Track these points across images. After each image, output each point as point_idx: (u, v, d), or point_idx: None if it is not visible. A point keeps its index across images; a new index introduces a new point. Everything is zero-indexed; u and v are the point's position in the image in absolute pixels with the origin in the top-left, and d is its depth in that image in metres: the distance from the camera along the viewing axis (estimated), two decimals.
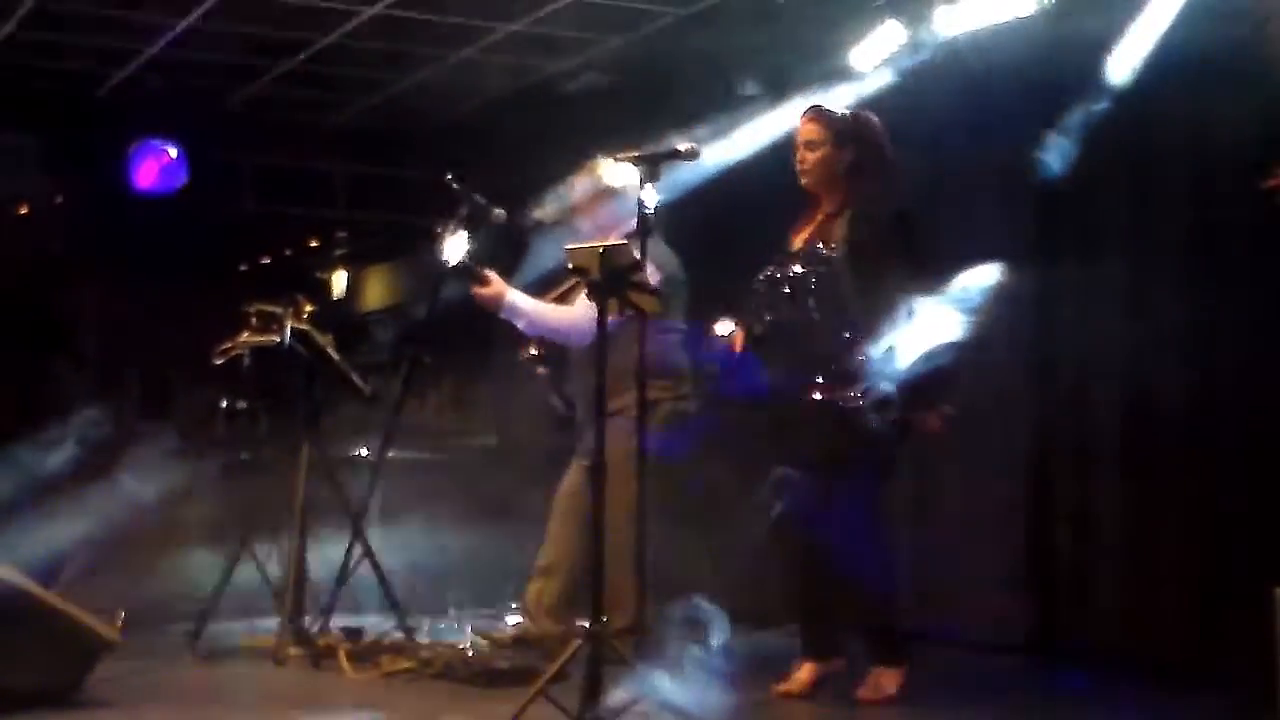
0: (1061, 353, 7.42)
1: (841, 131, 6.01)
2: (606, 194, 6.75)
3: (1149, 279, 7.08)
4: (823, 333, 5.73)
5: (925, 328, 5.59)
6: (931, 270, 5.79)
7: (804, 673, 6.06)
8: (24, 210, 10.69)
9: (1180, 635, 6.77)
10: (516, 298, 6.49)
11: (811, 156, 6.01)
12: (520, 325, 6.54)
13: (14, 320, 10.20)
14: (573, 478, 6.79)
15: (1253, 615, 5.28)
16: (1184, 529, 6.86)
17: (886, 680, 5.91)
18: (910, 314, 5.64)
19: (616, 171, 6.71)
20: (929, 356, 5.59)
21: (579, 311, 6.28)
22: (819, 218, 6.04)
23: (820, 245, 5.88)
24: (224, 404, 8.07)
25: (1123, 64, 6.94)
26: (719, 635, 5.98)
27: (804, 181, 6.06)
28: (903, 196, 6.01)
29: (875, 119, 6.11)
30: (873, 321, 5.67)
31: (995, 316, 6.62)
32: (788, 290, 5.81)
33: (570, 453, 6.89)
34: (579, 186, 6.85)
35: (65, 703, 5.54)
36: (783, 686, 6.07)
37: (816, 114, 6.08)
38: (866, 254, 5.79)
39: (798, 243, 6.03)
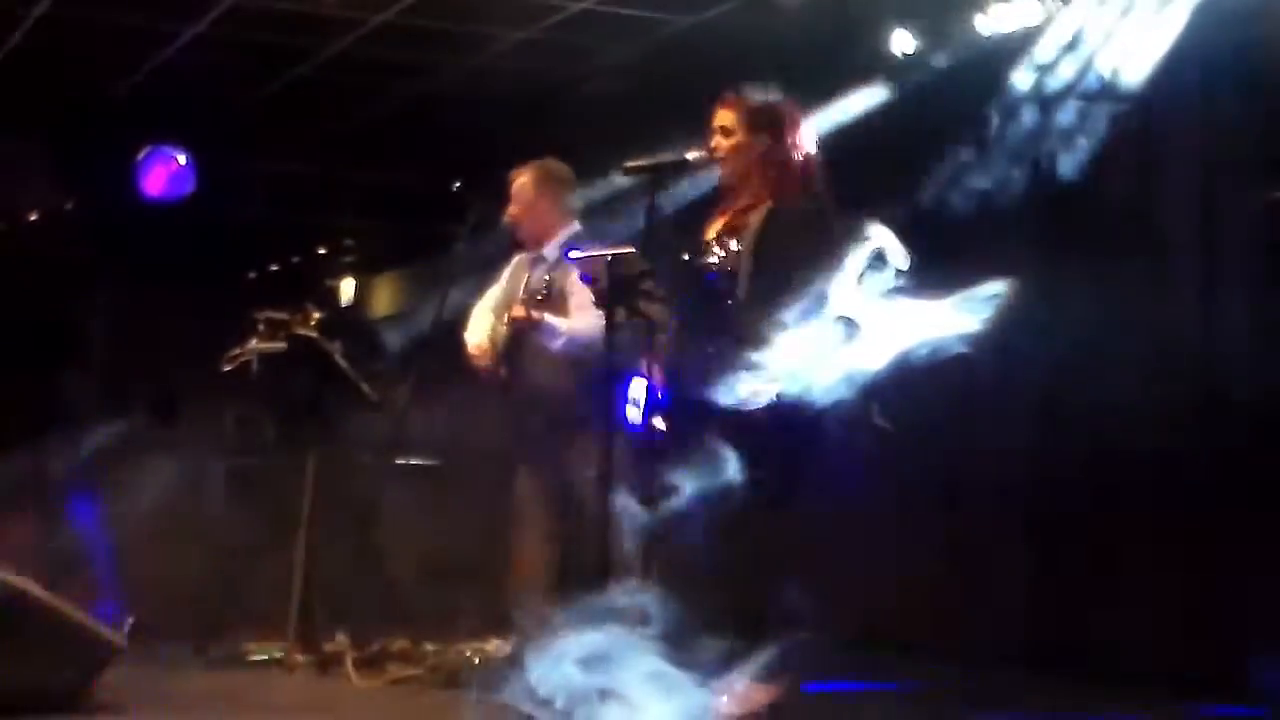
0: (1073, 361, 7.44)
1: (756, 117, 5.71)
2: (545, 197, 6.67)
3: (1165, 285, 7.12)
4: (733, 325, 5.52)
5: (898, 332, 5.45)
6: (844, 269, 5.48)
7: (759, 694, 5.53)
8: (34, 217, 10.75)
9: (1199, 649, 6.74)
10: (551, 318, 6.32)
11: (725, 144, 5.68)
12: (556, 344, 6.32)
13: (23, 326, 10.26)
14: (530, 484, 6.66)
15: (1271, 629, 5.28)
16: (1201, 542, 6.86)
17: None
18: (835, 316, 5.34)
19: (554, 173, 6.69)
20: (903, 359, 5.47)
21: (593, 321, 5.95)
22: (735, 208, 5.76)
23: (730, 239, 5.66)
24: (232, 411, 8.11)
25: (1136, 66, 7.01)
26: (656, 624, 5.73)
27: (719, 171, 5.72)
28: (822, 193, 5.75)
29: (797, 107, 5.86)
30: (772, 320, 5.39)
31: (1003, 325, 6.64)
32: (699, 283, 5.64)
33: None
34: (518, 189, 6.70)
35: (72, 708, 5.56)
36: (730, 707, 5.51)
37: (732, 99, 5.75)
38: (774, 251, 5.55)
39: (710, 234, 5.75)
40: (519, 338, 6.47)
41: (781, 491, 5.51)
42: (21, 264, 10.43)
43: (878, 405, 5.50)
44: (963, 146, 7.68)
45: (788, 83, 6.08)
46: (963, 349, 5.29)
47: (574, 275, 6.06)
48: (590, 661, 4.82)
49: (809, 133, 5.88)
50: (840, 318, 5.37)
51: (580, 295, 6.05)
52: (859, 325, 5.33)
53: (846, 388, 5.42)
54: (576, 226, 6.68)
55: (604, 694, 4.80)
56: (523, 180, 6.68)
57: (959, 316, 5.40)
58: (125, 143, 10.27)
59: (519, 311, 6.33)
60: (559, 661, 4.81)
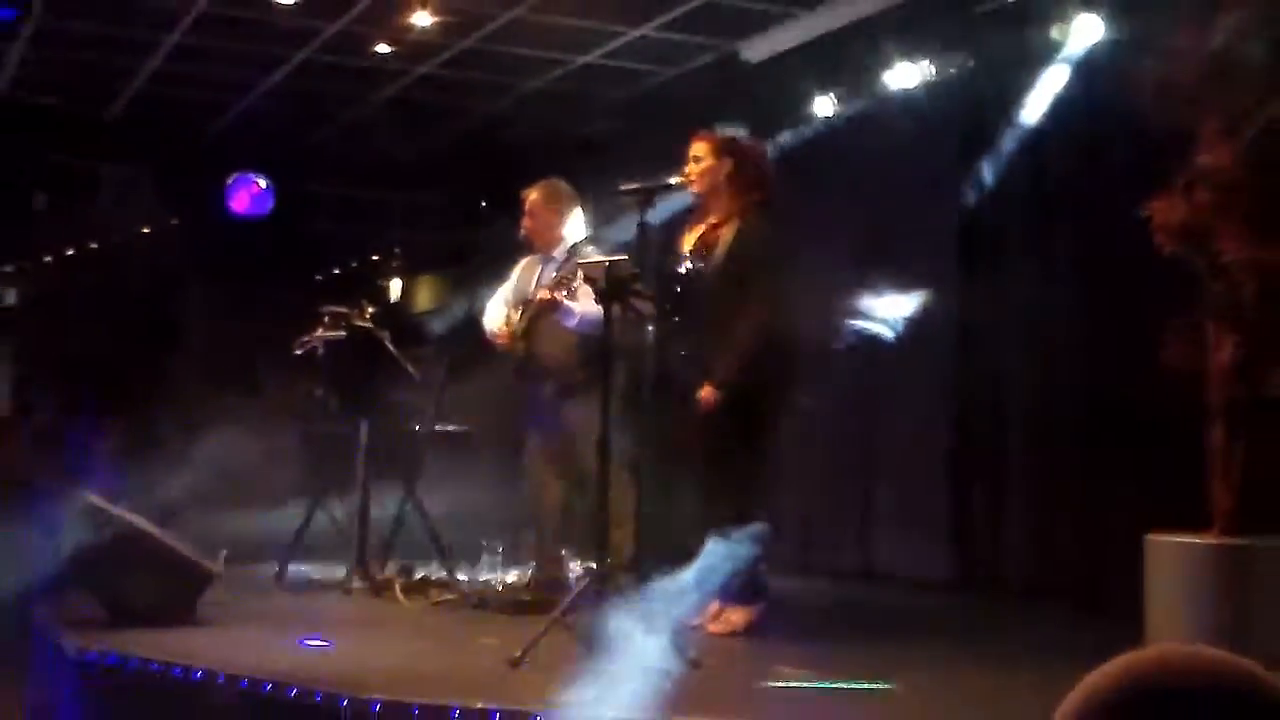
0: (979, 345, 7.52)
1: (720, 147, 5.84)
2: (552, 210, 6.68)
3: (1050, 287, 7.19)
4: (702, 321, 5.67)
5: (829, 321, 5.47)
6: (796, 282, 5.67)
7: (737, 615, 5.65)
8: (145, 230, 10.78)
9: (1076, 573, 6.87)
10: (569, 302, 6.30)
11: (696, 169, 5.80)
12: (571, 323, 6.32)
13: (135, 319, 10.30)
14: (539, 444, 6.66)
15: (1132, 556, 5.35)
16: (1080, 486, 6.96)
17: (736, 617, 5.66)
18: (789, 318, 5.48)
19: (560, 191, 6.69)
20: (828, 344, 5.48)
21: (594, 307, 5.92)
22: (707, 223, 5.87)
23: (704, 250, 5.77)
24: (303, 387, 8.12)
25: (1030, 113, 7.06)
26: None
27: (692, 190, 5.85)
28: (780, 207, 5.87)
29: (752, 139, 5.99)
30: (736, 319, 5.54)
31: (921, 322, 6.71)
32: (678, 286, 5.74)
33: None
34: (530, 204, 6.70)
35: (179, 622, 5.65)
36: (717, 627, 5.61)
37: (701, 134, 5.90)
38: (740, 262, 5.66)
39: (687, 245, 5.87)
40: (536, 319, 6.51)
41: (726, 448, 5.62)
42: (135, 268, 10.46)
43: (801, 384, 5.57)
44: (898, 171, 7.77)
45: (749, 122, 6.20)
46: (886, 335, 5.39)
47: (580, 273, 6.16)
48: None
49: (765, 160, 6.04)
50: (784, 310, 5.47)
51: (584, 288, 6.07)
52: (798, 316, 5.42)
53: (781, 369, 5.53)
54: (579, 234, 6.71)
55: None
56: (534, 197, 6.70)
57: (884, 311, 5.49)
58: (217, 171, 10.31)
59: (545, 295, 6.32)
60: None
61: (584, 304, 6.20)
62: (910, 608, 7.06)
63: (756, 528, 5.28)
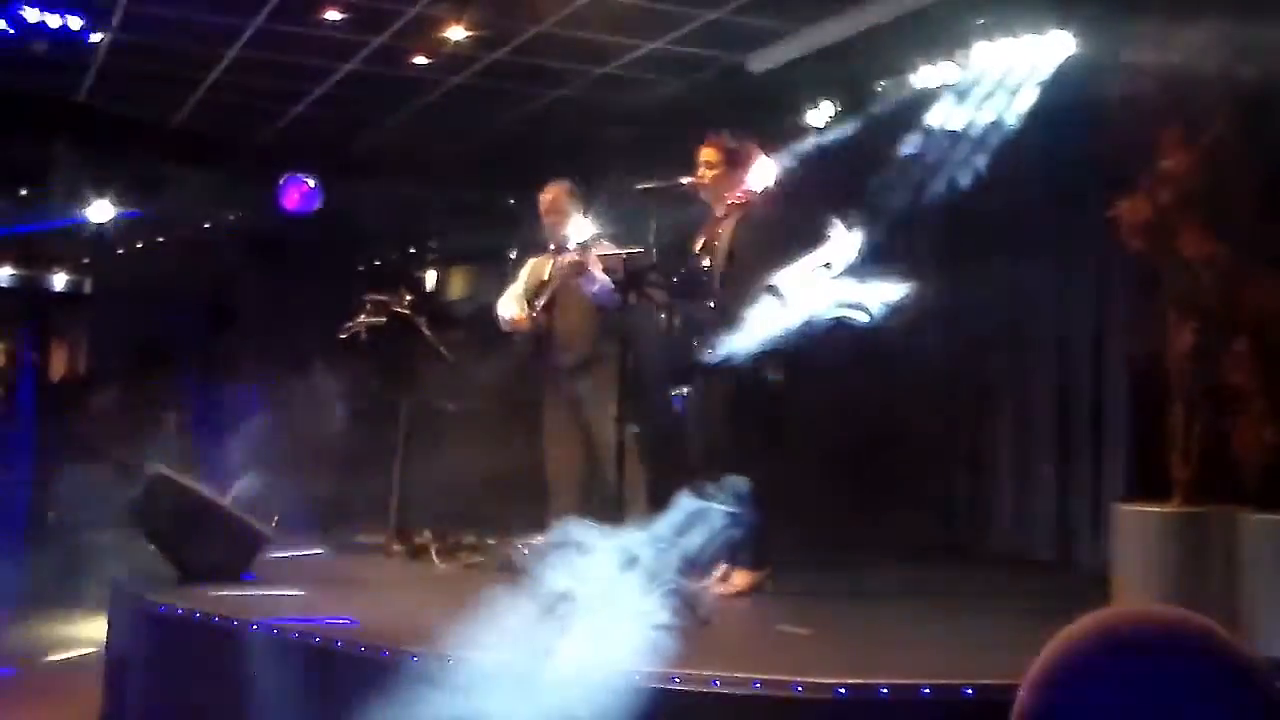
0: (961, 330, 7.51)
1: (732, 155, 5.77)
2: (567, 207, 6.66)
3: (1027, 279, 7.21)
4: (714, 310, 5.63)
5: (815, 303, 5.42)
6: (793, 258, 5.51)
7: (742, 578, 5.55)
8: (207, 226, 10.83)
9: (1049, 538, 6.90)
10: (594, 268, 6.30)
11: (710, 174, 5.76)
12: (593, 288, 6.29)
13: (197, 305, 10.35)
14: (557, 416, 6.64)
15: (1099, 523, 5.36)
16: (1055, 459, 6.98)
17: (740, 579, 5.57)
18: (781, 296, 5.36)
19: (574, 190, 6.68)
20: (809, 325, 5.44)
21: (609, 280, 6.03)
22: (712, 224, 5.83)
23: (712, 244, 5.74)
24: (348, 367, 8.11)
25: (1003, 123, 7.07)
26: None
27: (702, 194, 5.80)
28: (778, 207, 5.80)
29: (757, 142, 5.89)
30: (742, 301, 5.43)
31: (910, 310, 6.69)
32: (692, 282, 5.70)
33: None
34: (549, 201, 6.71)
35: (237, 579, 5.67)
36: (723, 588, 5.49)
37: (714, 141, 5.81)
38: (740, 250, 5.61)
39: (699, 245, 5.83)
40: (558, 294, 6.52)
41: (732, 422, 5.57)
42: (198, 260, 10.51)
43: (771, 361, 5.52)
44: (889, 170, 7.74)
45: (754, 127, 6.18)
46: (866, 319, 5.37)
47: (593, 252, 6.19)
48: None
49: (769, 165, 5.94)
50: (776, 291, 5.44)
51: (598, 265, 6.18)
52: (788, 297, 5.38)
53: (758, 347, 5.40)
54: (587, 228, 6.66)
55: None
56: (551, 196, 6.73)
57: (868, 295, 5.45)
58: (270, 172, 10.33)
59: (575, 258, 6.32)
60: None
61: (600, 275, 6.23)
62: (905, 574, 6.97)
63: (735, 487, 5.21)
